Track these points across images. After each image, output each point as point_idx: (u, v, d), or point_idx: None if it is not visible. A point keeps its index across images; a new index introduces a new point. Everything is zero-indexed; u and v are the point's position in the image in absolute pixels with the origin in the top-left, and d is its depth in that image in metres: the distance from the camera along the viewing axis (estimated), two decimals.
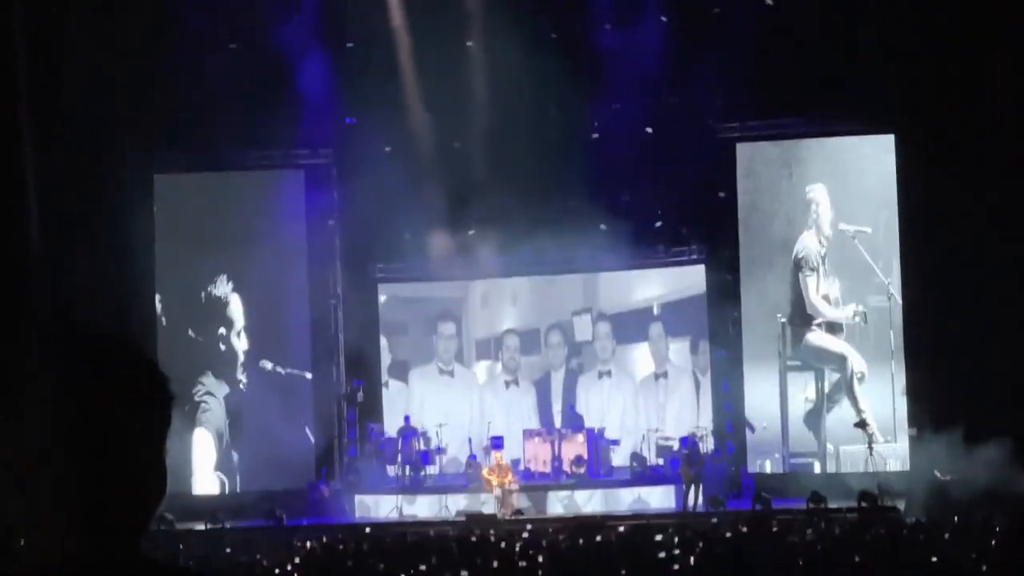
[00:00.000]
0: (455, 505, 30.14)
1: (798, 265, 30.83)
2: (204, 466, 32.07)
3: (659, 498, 30.05)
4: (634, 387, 34.31)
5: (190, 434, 31.85)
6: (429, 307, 35.39)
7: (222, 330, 32.30)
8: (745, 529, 20.89)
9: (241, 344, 32.31)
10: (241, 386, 32.25)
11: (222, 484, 32.04)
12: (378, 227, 31.88)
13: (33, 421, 2.27)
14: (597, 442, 31.48)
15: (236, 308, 32.35)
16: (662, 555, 16.14)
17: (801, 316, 30.80)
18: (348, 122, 32.26)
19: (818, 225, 30.72)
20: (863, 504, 26.60)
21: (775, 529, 20.82)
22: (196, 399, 32.02)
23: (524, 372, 34.99)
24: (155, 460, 2.37)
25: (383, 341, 34.53)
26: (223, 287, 32.31)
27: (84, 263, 28.66)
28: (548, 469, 31.43)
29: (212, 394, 32.17)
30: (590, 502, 30.12)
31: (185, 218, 32.19)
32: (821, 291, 30.68)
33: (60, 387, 2.27)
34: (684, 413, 33.22)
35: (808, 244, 30.80)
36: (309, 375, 32.22)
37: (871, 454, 29.69)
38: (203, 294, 32.25)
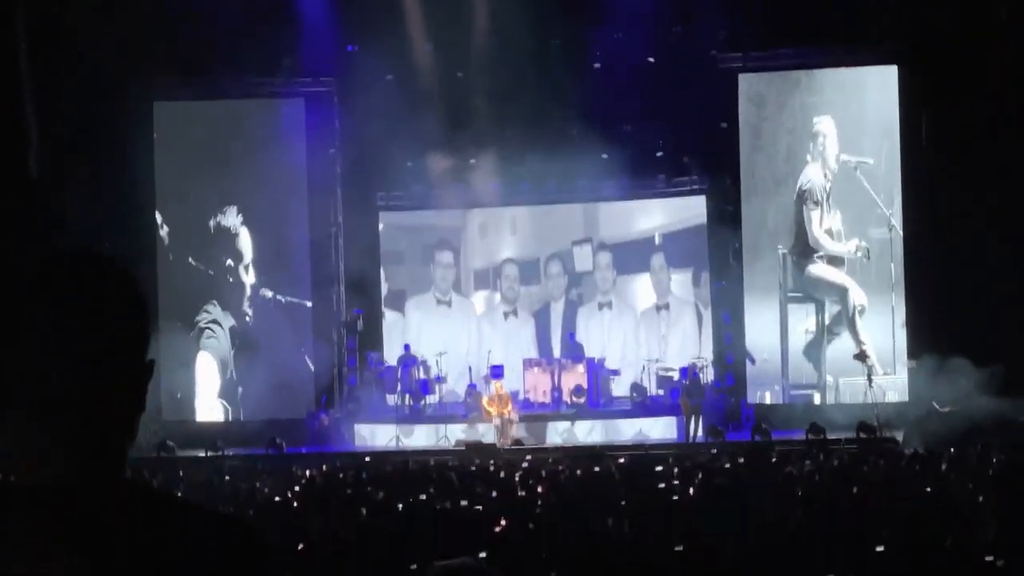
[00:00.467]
0: (454, 434, 30.20)
1: (802, 198, 30.74)
2: (207, 392, 32.16)
3: (659, 429, 30.09)
4: (635, 319, 34.31)
5: (194, 361, 31.94)
6: (426, 236, 35.30)
7: (230, 262, 32.28)
8: (744, 460, 20.94)
9: (249, 278, 32.32)
10: (247, 318, 32.27)
11: (225, 411, 32.13)
12: (379, 155, 31.81)
13: (11, 341, 2.26)
14: (597, 372, 31.50)
15: (245, 241, 32.33)
16: (661, 485, 16.18)
17: (803, 248, 30.75)
18: (349, 50, 32.10)
19: (823, 157, 30.61)
20: (862, 435, 26.65)
21: (774, 460, 20.87)
22: (201, 326, 32.08)
23: (523, 303, 34.98)
24: (133, 375, 2.35)
25: (381, 271, 34.54)
26: (232, 218, 32.27)
27: (84, 191, 28.60)
28: (548, 399, 31.47)
29: (217, 322, 32.22)
30: (590, 432, 30.17)
31: (185, 146, 32.09)
32: (824, 225, 30.61)
33: (31, 303, 2.26)
34: (686, 345, 33.24)
35: (813, 177, 30.71)
36: (309, 304, 32.23)
37: (870, 386, 29.73)
38: (211, 223, 32.22)
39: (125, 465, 2.36)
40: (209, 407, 32.18)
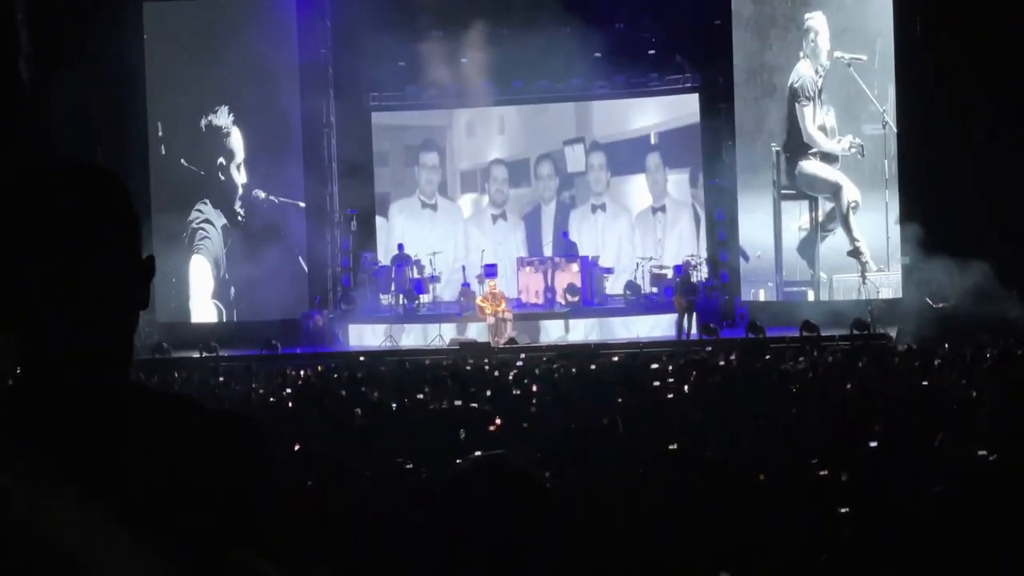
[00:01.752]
0: (448, 334, 30.26)
1: (794, 95, 30.61)
2: (201, 293, 32.21)
3: (653, 326, 30.14)
4: (630, 221, 34.30)
5: (187, 262, 31.95)
6: (410, 136, 35.15)
7: (221, 160, 32.17)
8: (738, 357, 21.01)
9: (241, 177, 32.22)
10: (239, 218, 32.21)
11: (219, 312, 32.17)
12: (371, 55, 31.58)
13: (5, 248, 2.28)
14: (591, 271, 31.49)
15: (236, 140, 32.21)
16: (656, 383, 16.23)
17: (796, 145, 30.65)
18: None
19: (815, 54, 30.44)
20: (855, 332, 26.73)
21: (768, 357, 20.94)
22: (193, 226, 32.06)
23: (512, 205, 34.91)
24: (132, 271, 2.36)
25: (374, 171, 34.51)
26: (224, 118, 32.13)
27: (75, 93, 28.44)
28: (541, 299, 31.48)
29: (210, 222, 32.19)
30: (584, 330, 30.22)
31: (176, 46, 31.89)
32: (817, 121, 30.49)
33: (24, 212, 2.28)
34: (683, 247, 33.25)
35: (804, 73, 30.56)
36: (302, 204, 32.13)
37: (864, 282, 29.80)
38: (202, 123, 32.08)
39: (131, 363, 2.38)
40: (203, 308, 32.22)
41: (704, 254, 32.60)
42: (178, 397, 2.45)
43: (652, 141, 33.91)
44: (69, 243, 2.28)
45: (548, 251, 33.51)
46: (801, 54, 30.53)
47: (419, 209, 35.13)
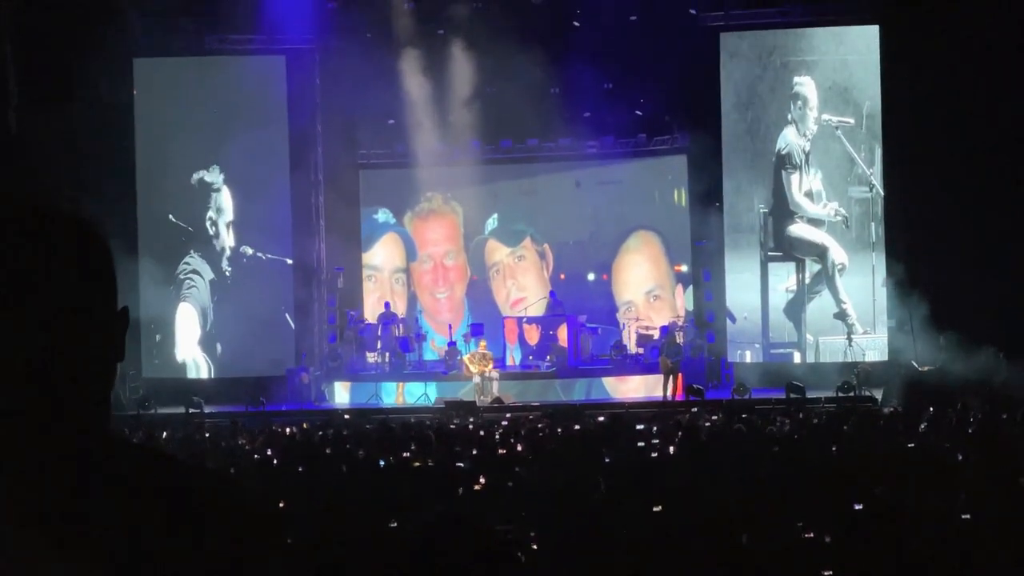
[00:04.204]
0: (435, 392, 30.25)
1: (781, 162, 30.75)
2: (188, 341, 32.18)
3: (639, 387, 30.14)
4: (616, 283, 34.59)
5: (174, 310, 31.96)
6: (398, 194, 35.61)
7: (211, 215, 32.22)
8: (724, 418, 20.99)
9: (230, 239, 32.26)
10: (227, 274, 32.23)
11: (205, 367, 32.13)
12: (360, 112, 31.73)
13: None
14: (578, 331, 31.50)
15: (227, 200, 32.27)
16: (641, 443, 16.23)
17: (783, 210, 30.78)
18: (329, 7, 31.96)
19: (803, 119, 30.60)
20: (841, 394, 26.75)
21: (754, 418, 20.93)
22: (181, 277, 32.09)
23: (506, 269, 35.21)
24: (106, 323, 2.33)
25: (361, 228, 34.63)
26: (215, 177, 32.19)
27: (64, 146, 28.48)
28: (529, 357, 31.48)
29: (198, 273, 32.20)
30: (570, 390, 30.18)
31: (166, 102, 31.95)
32: (804, 188, 30.64)
33: None
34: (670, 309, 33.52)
35: (791, 141, 30.72)
36: (290, 261, 32.17)
37: (850, 344, 29.85)
38: (194, 179, 32.13)
39: (109, 416, 2.34)
40: (190, 358, 32.19)
41: (691, 315, 32.61)
42: (159, 454, 2.40)
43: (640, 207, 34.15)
44: (42, 293, 2.22)
45: (538, 311, 33.50)
46: (789, 117, 30.68)
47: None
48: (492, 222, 35.47)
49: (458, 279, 35.77)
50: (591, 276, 34.91)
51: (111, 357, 2.33)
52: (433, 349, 33.31)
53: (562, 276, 34.93)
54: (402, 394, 30.90)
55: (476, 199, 35.33)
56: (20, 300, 2.21)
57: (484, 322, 32.11)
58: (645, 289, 34.45)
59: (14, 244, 2.24)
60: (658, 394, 29.23)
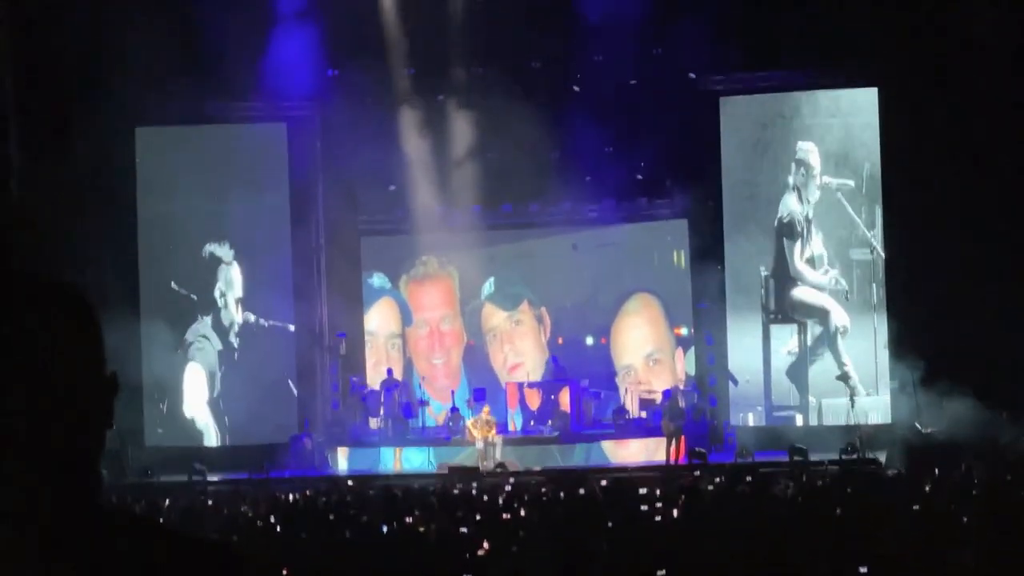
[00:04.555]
0: (438, 458, 30.17)
1: (782, 229, 30.79)
2: (196, 403, 32.09)
3: (645, 451, 30.06)
4: (619, 348, 34.44)
5: (181, 375, 31.94)
6: (400, 259, 35.57)
7: (220, 287, 32.25)
8: (727, 482, 20.93)
9: (238, 315, 32.26)
10: (235, 345, 32.23)
11: (209, 434, 32.05)
12: (361, 179, 31.82)
13: None
14: (580, 395, 31.46)
15: (237, 275, 32.30)
16: (645, 508, 16.18)
17: (784, 276, 30.80)
18: (330, 74, 32.13)
19: (804, 184, 30.65)
20: (844, 456, 26.68)
21: (757, 482, 20.87)
22: (190, 340, 32.09)
23: (505, 334, 35.01)
24: (93, 389, 2.32)
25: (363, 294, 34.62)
26: (226, 250, 32.22)
27: (65, 216, 28.54)
28: (531, 422, 31.44)
29: (207, 337, 32.19)
30: (573, 455, 30.11)
31: (167, 170, 32.02)
32: (805, 255, 30.66)
33: None
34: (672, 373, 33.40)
35: (792, 208, 30.75)
36: (292, 327, 32.16)
37: (853, 407, 29.81)
38: (204, 252, 32.13)
39: (100, 485, 2.33)
40: (199, 419, 32.11)
41: (692, 378, 32.53)
42: (155, 524, 2.37)
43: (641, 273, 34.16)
44: (32, 360, 2.21)
45: (539, 375, 33.45)
46: (791, 182, 30.74)
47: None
48: (488, 286, 35.24)
49: (454, 344, 35.52)
50: (589, 340, 34.66)
51: (100, 423, 2.32)
52: (431, 416, 33.12)
53: (560, 340, 34.70)
54: (399, 460, 30.82)
55: (472, 262, 35.14)
56: (5, 367, 2.21)
57: (474, 388, 32.04)
58: (644, 353, 34.19)
59: (1, 310, 2.23)
60: (658, 458, 29.13)
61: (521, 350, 35.04)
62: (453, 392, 32.67)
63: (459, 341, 35.53)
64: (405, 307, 35.54)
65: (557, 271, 34.66)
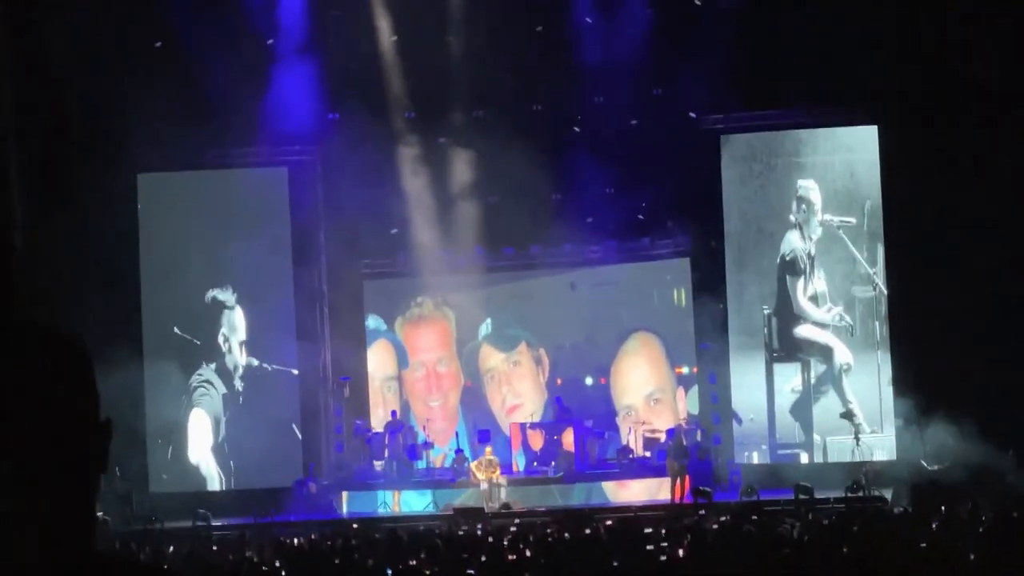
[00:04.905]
0: (443, 500, 30.09)
1: (785, 266, 30.80)
2: (200, 449, 32.03)
3: (646, 491, 29.99)
4: (623, 388, 34.30)
5: (186, 420, 31.94)
6: (401, 303, 35.45)
7: (224, 332, 32.26)
8: (732, 521, 20.90)
9: (242, 357, 32.28)
10: (239, 389, 32.20)
11: (213, 479, 31.99)
12: (363, 223, 31.83)
13: None
14: (584, 436, 31.40)
15: (240, 319, 32.33)
16: (650, 547, 16.16)
17: (787, 313, 30.79)
18: (331, 118, 32.22)
19: (807, 222, 30.68)
20: (850, 494, 26.63)
21: (763, 521, 20.83)
22: (194, 385, 32.08)
23: (504, 376, 34.85)
24: (86, 436, 2.31)
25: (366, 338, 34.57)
26: (228, 295, 32.25)
27: (68, 263, 28.58)
28: (535, 463, 31.37)
29: (211, 383, 32.18)
30: (578, 495, 30.05)
31: (169, 217, 32.08)
32: (808, 291, 30.67)
33: None
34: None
35: (796, 246, 30.77)
36: (296, 371, 32.15)
37: (858, 444, 29.77)
38: (208, 297, 32.16)
39: (94, 530, 2.33)
40: (204, 464, 32.05)
41: (694, 418, 32.46)
42: (155, 570, 2.36)
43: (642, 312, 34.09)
44: (24, 406, 2.21)
45: (542, 416, 33.36)
46: (793, 220, 30.78)
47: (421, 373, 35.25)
48: (486, 327, 35.06)
49: (451, 386, 35.26)
50: (589, 380, 34.47)
51: (94, 468, 2.32)
52: (430, 460, 32.98)
53: (559, 381, 34.52)
54: (398, 502, 30.74)
55: (469, 303, 34.99)
56: (4, 412, 2.21)
57: (479, 430, 32.00)
58: (645, 392, 33.93)
59: None
60: (661, 497, 29.11)
61: (520, 391, 34.80)
62: (457, 434, 32.62)
63: (456, 383, 35.29)
64: (401, 349, 35.27)
65: (555, 311, 34.43)
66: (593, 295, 34.34)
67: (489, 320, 35.07)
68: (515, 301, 34.84)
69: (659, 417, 33.12)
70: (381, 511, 29.91)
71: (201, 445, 32.16)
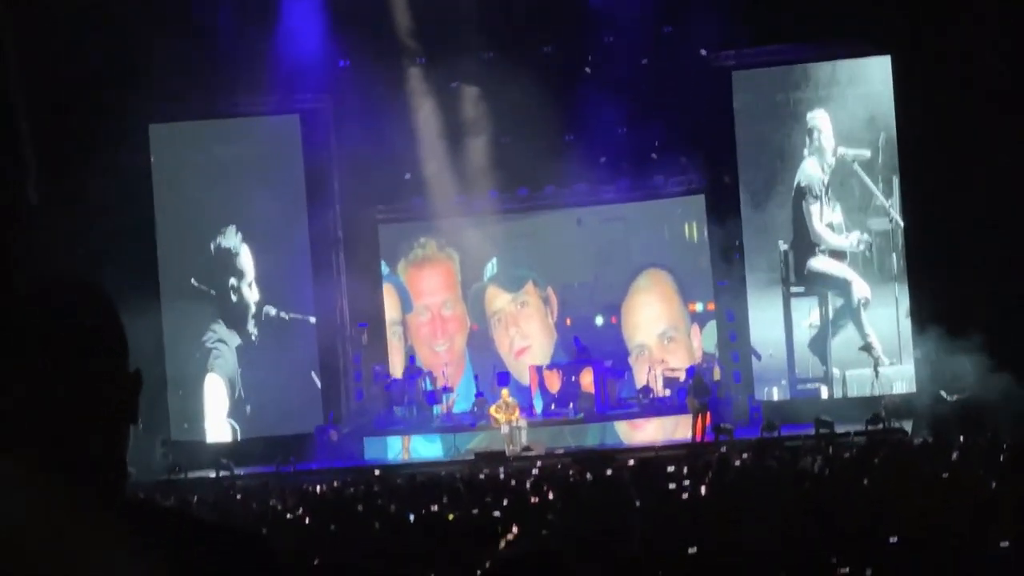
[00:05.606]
0: (463, 443, 30.12)
1: (800, 194, 30.69)
2: (216, 412, 32.13)
3: (667, 429, 30.00)
4: (640, 326, 34.07)
5: (202, 382, 31.98)
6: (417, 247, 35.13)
7: (233, 280, 32.25)
8: (753, 457, 20.91)
9: (252, 295, 32.26)
10: (253, 337, 32.22)
11: (233, 431, 32.08)
12: (376, 168, 31.76)
13: None
14: (604, 376, 31.37)
15: (247, 259, 32.29)
16: (672, 486, 16.17)
17: (804, 243, 30.68)
18: (342, 65, 32.12)
19: (820, 151, 30.57)
20: (870, 427, 26.62)
21: (784, 456, 20.84)
22: (208, 345, 32.10)
23: (524, 316, 34.54)
24: (118, 388, 2.32)
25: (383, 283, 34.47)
26: (232, 238, 32.25)
27: (83, 217, 28.57)
28: (555, 404, 31.38)
29: (224, 342, 32.19)
30: (592, 437, 30.04)
31: (182, 167, 32.08)
32: (824, 219, 30.55)
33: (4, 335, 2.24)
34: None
35: (810, 172, 30.66)
36: (313, 319, 32.19)
37: (877, 377, 29.75)
38: (212, 245, 32.18)
39: (125, 479, 2.34)
40: (219, 428, 32.14)
41: (716, 355, 32.38)
42: (183, 514, 2.39)
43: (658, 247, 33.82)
44: (55, 359, 2.23)
45: (562, 356, 33.24)
46: (806, 152, 30.66)
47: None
48: (491, 268, 34.71)
49: (457, 330, 34.96)
50: (599, 319, 34.06)
51: (125, 420, 2.33)
52: (449, 405, 32.91)
53: (568, 321, 34.22)
54: (407, 449, 30.74)
55: (473, 244, 34.54)
56: (31, 366, 2.22)
57: (498, 372, 31.93)
58: (658, 331, 33.68)
59: (24, 312, 2.24)
60: (678, 436, 29.13)
61: (528, 332, 34.54)
62: (476, 377, 32.54)
63: (462, 326, 35.00)
64: (405, 293, 35.01)
65: (562, 249, 33.99)
66: (601, 231, 33.97)
67: (494, 260, 34.71)
68: (521, 240, 34.40)
69: (673, 356, 32.97)
70: (391, 458, 29.96)
71: (217, 412, 32.16)
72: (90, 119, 29.46)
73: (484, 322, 34.87)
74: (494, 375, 32.00)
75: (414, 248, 34.97)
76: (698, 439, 28.39)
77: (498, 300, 34.75)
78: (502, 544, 10.85)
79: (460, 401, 33.03)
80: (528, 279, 34.54)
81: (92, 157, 29.14)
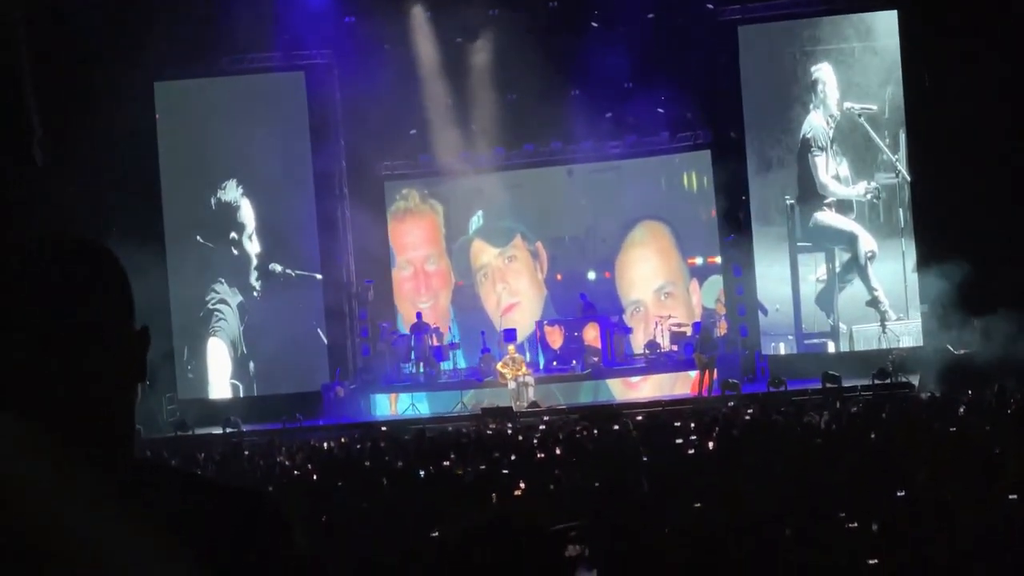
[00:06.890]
0: (471, 399, 30.11)
1: (806, 146, 30.59)
2: (220, 375, 32.14)
3: (674, 384, 29.98)
4: (647, 281, 33.83)
5: (205, 344, 32.00)
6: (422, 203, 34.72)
7: (233, 234, 32.18)
8: (761, 411, 20.94)
9: (253, 247, 32.18)
10: (255, 293, 32.18)
11: (236, 390, 32.08)
12: (381, 125, 31.67)
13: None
14: (611, 331, 31.33)
15: (247, 212, 32.20)
16: (679, 440, 16.21)
17: (810, 196, 30.60)
18: (347, 21, 32.01)
19: (825, 104, 30.48)
20: (877, 381, 26.63)
21: (791, 410, 20.87)
22: (210, 307, 32.07)
23: (531, 271, 34.25)
24: (125, 344, 2.32)
25: (389, 240, 34.33)
26: (232, 192, 32.19)
27: (88, 176, 28.57)
28: (562, 360, 31.33)
29: (226, 302, 32.14)
30: (585, 394, 30.03)
31: (187, 125, 32.01)
32: (830, 171, 30.48)
33: (10, 292, 2.23)
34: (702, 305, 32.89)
35: (815, 124, 30.57)
36: (319, 276, 32.15)
37: (884, 331, 29.74)
38: (212, 200, 32.13)
39: (133, 437, 2.34)
40: (222, 389, 32.13)
41: (722, 309, 32.31)
42: (189, 475, 2.39)
43: (664, 201, 33.56)
44: (62, 317, 2.23)
45: (568, 312, 33.02)
46: (811, 106, 30.57)
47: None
48: (476, 220, 34.21)
49: (442, 286, 34.45)
50: (591, 275, 33.58)
51: (133, 377, 2.34)
52: (456, 361, 32.87)
53: (559, 276, 33.77)
54: (395, 405, 30.74)
55: (457, 196, 34.01)
56: (38, 324, 2.22)
57: (505, 330, 31.80)
58: (655, 286, 33.32)
59: (29, 270, 2.24)
60: (677, 392, 29.09)
61: (516, 289, 33.97)
62: (483, 333, 32.42)
63: (447, 282, 34.52)
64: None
65: (551, 201, 33.40)
66: (592, 182, 33.42)
67: (480, 213, 34.18)
68: (508, 191, 33.68)
69: (672, 312, 32.74)
70: (410, 413, 29.97)
71: (221, 375, 32.15)
72: (95, 78, 29.39)
73: (470, 278, 34.31)
74: (501, 333, 31.89)
75: (396, 200, 34.43)
76: (704, 394, 28.39)
77: (484, 255, 34.19)
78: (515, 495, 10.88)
79: (460, 358, 32.95)
80: (516, 232, 33.92)
81: (97, 117, 29.10)
